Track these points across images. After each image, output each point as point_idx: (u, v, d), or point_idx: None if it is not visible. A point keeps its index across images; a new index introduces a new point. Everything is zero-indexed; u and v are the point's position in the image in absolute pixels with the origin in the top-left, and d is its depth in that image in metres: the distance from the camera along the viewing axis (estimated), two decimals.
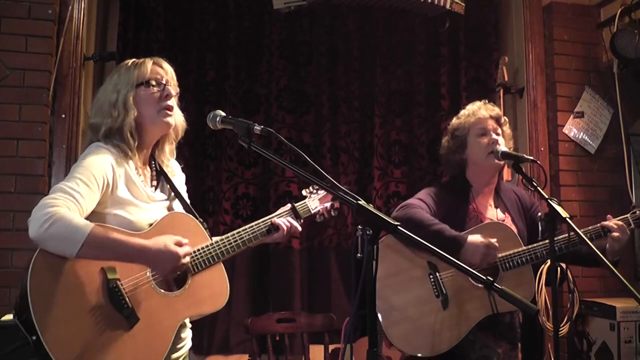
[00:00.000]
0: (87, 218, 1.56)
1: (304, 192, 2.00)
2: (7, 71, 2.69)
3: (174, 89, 1.74)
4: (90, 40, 3.07)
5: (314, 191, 1.99)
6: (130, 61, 1.73)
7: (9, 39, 2.71)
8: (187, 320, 1.76)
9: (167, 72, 1.74)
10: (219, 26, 3.40)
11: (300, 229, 1.90)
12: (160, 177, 1.78)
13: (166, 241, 1.57)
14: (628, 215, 2.05)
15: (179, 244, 1.60)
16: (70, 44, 2.84)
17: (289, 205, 1.92)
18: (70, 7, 2.82)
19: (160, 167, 1.79)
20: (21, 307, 1.46)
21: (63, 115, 2.80)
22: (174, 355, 1.70)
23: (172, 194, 1.78)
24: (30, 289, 1.45)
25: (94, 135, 1.69)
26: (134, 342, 1.54)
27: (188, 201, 1.83)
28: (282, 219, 1.87)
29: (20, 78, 2.71)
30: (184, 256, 1.59)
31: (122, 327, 1.53)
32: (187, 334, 1.78)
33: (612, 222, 2.02)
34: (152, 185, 1.75)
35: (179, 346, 1.72)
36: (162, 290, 1.62)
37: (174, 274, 1.60)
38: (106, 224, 1.58)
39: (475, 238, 2.02)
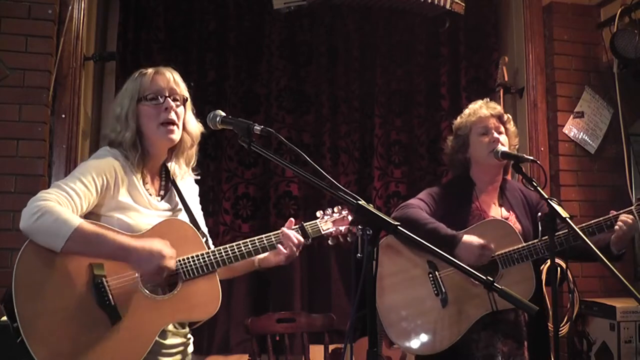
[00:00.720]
0: (87, 219, 1.57)
1: (317, 214, 1.92)
2: (7, 71, 2.69)
3: (179, 96, 1.72)
4: (90, 40, 3.07)
5: (329, 214, 1.92)
6: (137, 72, 1.73)
7: (9, 39, 2.72)
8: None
9: (169, 81, 1.70)
10: (219, 26, 3.40)
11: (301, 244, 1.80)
12: (169, 188, 1.77)
13: (152, 243, 1.56)
14: (633, 207, 2.02)
15: (168, 254, 1.57)
16: (70, 44, 2.84)
17: (293, 221, 1.86)
18: (70, 7, 2.82)
19: (172, 178, 1.78)
20: (7, 294, 1.49)
21: (63, 115, 2.80)
22: (180, 357, 1.71)
23: (179, 205, 1.76)
24: (15, 277, 1.49)
25: (103, 144, 1.73)
26: (113, 340, 1.54)
27: (200, 214, 1.84)
28: (288, 234, 1.78)
29: (20, 78, 2.71)
30: (169, 258, 1.56)
31: (104, 324, 1.54)
32: (190, 337, 1.78)
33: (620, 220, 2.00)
34: (158, 195, 1.74)
35: (184, 349, 1.73)
36: (149, 293, 1.60)
37: (158, 276, 1.57)
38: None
39: (470, 238, 2.02)
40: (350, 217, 1.94)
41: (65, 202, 1.51)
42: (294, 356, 2.96)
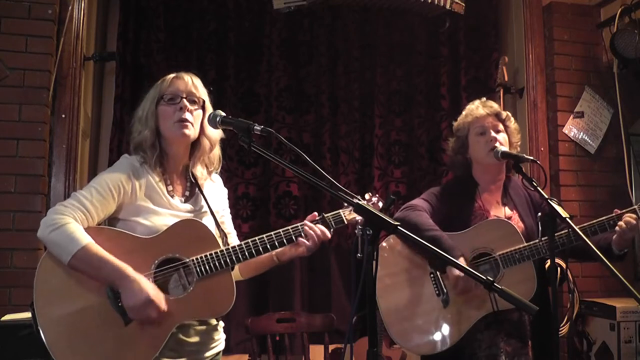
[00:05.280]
0: (109, 223, 1.69)
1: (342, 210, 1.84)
2: (7, 71, 2.69)
3: (197, 98, 1.77)
4: (90, 40, 3.07)
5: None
6: (161, 79, 1.80)
7: (9, 39, 2.71)
8: (220, 323, 1.81)
9: (188, 84, 1.76)
10: (219, 26, 3.40)
11: (329, 236, 1.76)
12: (195, 191, 1.80)
13: (148, 285, 1.58)
14: (636, 206, 2.02)
15: (157, 297, 1.58)
16: (70, 44, 2.84)
17: (317, 215, 1.80)
18: (70, 7, 2.82)
19: (197, 182, 1.80)
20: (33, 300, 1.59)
21: (63, 115, 2.80)
22: (207, 354, 1.74)
23: (205, 208, 1.78)
24: (36, 283, 1.58)
25: (131, 148, 1.80)
26: (126, 340, 1.59)
27: (229, 217, 1.89)
28: (311, 225, 1.75)
29: (20, 78, 2.71)
30: (151, 304, 1.57)
31: (117, 324, 1.59)
32: (221, 336, 1.82)
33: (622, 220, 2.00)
34: (183, 196, 1.78)
35: (212, 345, 1.77)
36: (161, 293, 1.62)
37: (137, 312, 1.57)
38: (126, 230, 1.67)
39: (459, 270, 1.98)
40: (380, 204, 1.91)
41: (80, 216, 1.60)
42: (294, 356, 2.96)
